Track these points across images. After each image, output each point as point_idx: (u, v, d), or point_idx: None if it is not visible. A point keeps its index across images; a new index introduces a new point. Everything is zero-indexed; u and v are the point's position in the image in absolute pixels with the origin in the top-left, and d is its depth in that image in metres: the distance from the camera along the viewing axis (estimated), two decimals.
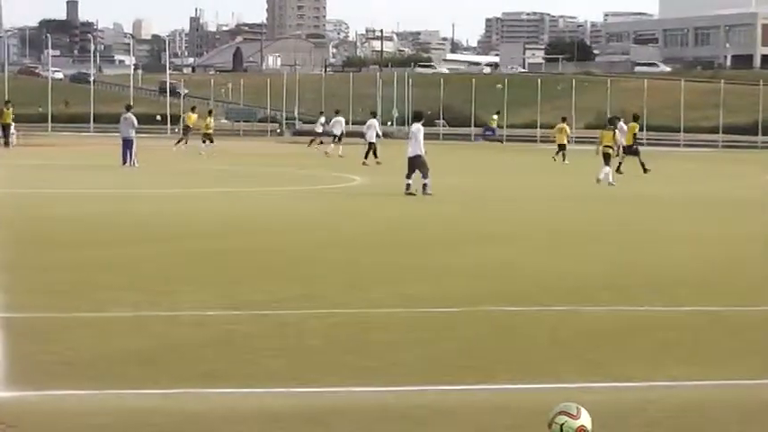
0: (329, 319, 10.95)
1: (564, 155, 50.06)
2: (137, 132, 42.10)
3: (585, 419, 6.42)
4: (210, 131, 54.49)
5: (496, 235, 19.72)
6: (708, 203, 28.06)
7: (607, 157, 34.55)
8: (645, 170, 39.63)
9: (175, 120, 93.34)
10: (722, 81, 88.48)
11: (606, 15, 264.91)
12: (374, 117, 49.88)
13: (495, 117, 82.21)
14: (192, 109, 61.21)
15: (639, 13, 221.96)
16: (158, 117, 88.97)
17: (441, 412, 7.68)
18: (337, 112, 57.06)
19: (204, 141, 53.13)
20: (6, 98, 63.65)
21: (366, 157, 45.41)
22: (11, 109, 58.69)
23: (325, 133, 60.86)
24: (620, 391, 8.40)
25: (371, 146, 46.08)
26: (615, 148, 35.69)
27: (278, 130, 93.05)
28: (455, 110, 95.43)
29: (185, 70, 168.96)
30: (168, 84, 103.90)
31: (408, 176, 28.75)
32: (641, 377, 8.73)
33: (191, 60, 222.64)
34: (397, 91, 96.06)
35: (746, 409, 7.94)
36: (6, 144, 56.45)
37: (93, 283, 13.01)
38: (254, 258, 15.70)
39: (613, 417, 7.46)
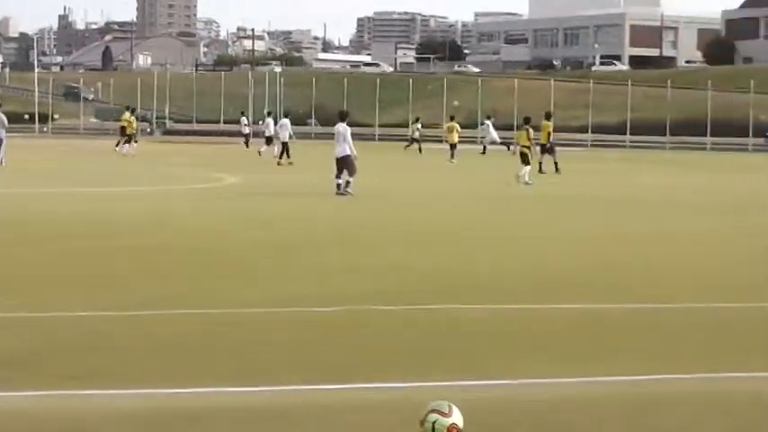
0: (204, 319, 10.83)
1: (453, 154, 50.42)
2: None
3: (457, 417, 6.45)
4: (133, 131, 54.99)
5: (394, 235, 19.72)
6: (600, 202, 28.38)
7: (524, 157, 34.66)
8: (557, 169, 39.79)
9: (43, 119, 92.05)
10: (591, 81, 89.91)
11: (477, 15, 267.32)
12: (287, 117, 49.46)
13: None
14: (131, 110, 59.42)
15: (510, 14, 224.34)
16: (26, 116, 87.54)
17: (314, 411, 7.63)
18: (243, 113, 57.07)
19: (128, 142, 53.05)
20: None
21: (281, 158, 45.23)
22: None
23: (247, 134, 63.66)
24: (490, 388, 8.39)
25: (285, 145, 45.79)
26: (532, 148, 35.77)
27: (148, 129, 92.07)
28: (327, 109, 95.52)
29: (54, 68, 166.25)
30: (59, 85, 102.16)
31: (338, 176, 28.62)
32: (512, 374, 8.75)
33: (59, 59, 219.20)
34: (269, 90, 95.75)
35: (610, 405, 7.99)
36: None
37: None
38: (118, 257, 15.46)
39: (486, 413, 7.45)
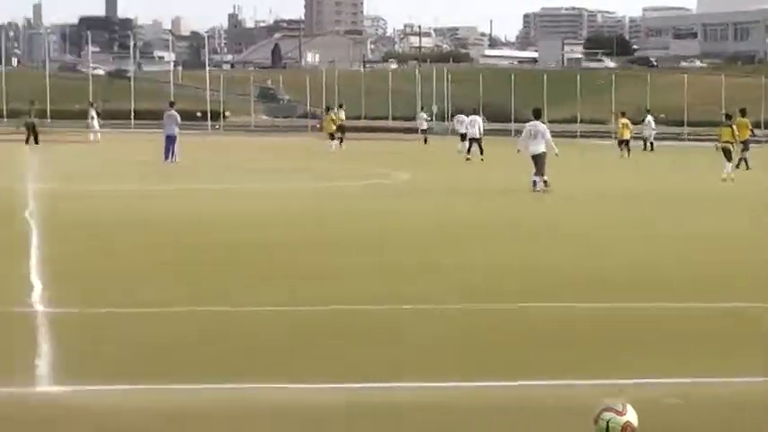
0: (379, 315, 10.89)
1: (628, 150, 50.26)
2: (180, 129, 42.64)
3: (632, 416, 6.33)
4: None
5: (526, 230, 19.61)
6: None
7: (727, 153, 34.29)
8: (747, 167, 39.40)
9: (215, 116, 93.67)
10: (763, 76, 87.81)
11: (645, 10, 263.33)
12: (476, 113, 49.29)
13: None
14: (336, 107, 60.99)
15: (678, 8, 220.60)
16: (198, 114, 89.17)
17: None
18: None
19: (333, 138, 53.70)
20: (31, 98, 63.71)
21: (468, 153, 45.26)
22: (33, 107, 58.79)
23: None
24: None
25: (475, 141, 45.64)
26: (735, 144, 35.54)
27: (318, 126, 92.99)
28: (494, 106, 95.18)
29: (225, 66, 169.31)
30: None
31: (536, 174, 28.58)
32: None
33: (229, 57, 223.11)
34: (437, 87, 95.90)
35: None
36: (30, 141, 55.67)
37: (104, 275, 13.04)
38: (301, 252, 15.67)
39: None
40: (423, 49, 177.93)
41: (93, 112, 64.99)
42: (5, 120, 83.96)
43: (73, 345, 9.45)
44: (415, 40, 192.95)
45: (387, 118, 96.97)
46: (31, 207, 21.89)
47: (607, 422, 6.29)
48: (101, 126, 64.72)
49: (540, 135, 29.01)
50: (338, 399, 7.74)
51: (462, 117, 51.90)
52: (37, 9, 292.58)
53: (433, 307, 11.34)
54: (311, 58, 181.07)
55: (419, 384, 8.15)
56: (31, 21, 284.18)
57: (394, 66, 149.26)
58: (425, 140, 65.21)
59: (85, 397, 7.76)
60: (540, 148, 28.71)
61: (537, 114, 30.15)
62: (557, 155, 29.11)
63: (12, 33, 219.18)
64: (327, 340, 9.63)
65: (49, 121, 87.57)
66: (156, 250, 15.86)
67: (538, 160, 28.67)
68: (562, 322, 10.65)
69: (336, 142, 53.65)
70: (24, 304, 11.13)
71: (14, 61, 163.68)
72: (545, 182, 28.18)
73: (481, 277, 13.52)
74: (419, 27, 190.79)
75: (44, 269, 13.52)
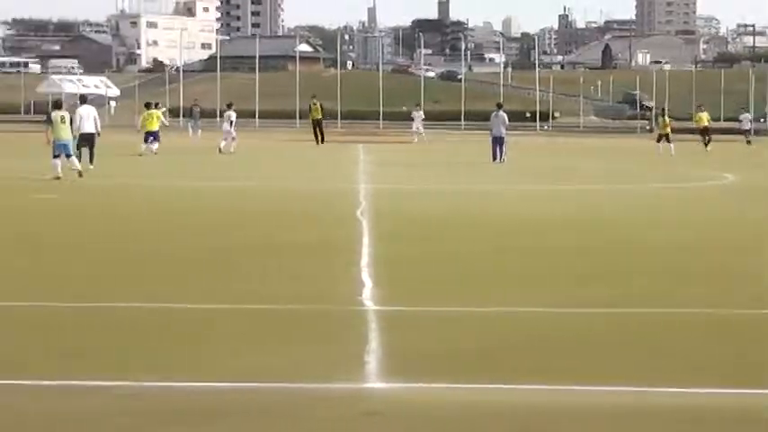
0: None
1: None
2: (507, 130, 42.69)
3: None
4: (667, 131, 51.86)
5: None
6: None
7: None
8: None
9: (544, 117, 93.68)
10: None
11: None
12: None
13: None
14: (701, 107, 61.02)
15: None
16: (527, 114, 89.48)
17: None
18: None
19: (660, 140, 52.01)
20: (314, 96, 64.71)
21: None
22: (318, 104, 59.22)
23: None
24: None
25: None
26: None
27: (647, 127, 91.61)
28: None
29: (554, 67, 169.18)
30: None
31: None
32: None
33: (559, 58, 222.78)
34: None
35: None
36: (321, 141, 56.20)
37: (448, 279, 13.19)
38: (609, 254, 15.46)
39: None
40: (757, 49, 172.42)
41: (417, 114, 66.19)
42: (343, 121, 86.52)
43: (401, 342, 9.66)
44: (748, 40, 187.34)
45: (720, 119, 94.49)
46: (362, 206, 22.48)
47: None
48: (424, 127, 65.69)
49: None
50: None
51: None
52: (371, 12, 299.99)
53: None
54: (641, 58, 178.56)
55: None
56: (366, 24, 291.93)
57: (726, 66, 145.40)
58: (748, 142, 63.12)
59: (410, 393, 7.94)
60: None
61: None
62: None
63: (347, 37, 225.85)
64: None
65: (381, 122, 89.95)
66: (500, 254, 15.98)
67: None
68: None
69: (666, 144, 52.42)
70: (355, 302, 11.45)
71: (349, 64, 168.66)
72: None
73: None
74: (753, 26, 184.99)
75: (374, 268, 13.86)
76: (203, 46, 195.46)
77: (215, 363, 8.85)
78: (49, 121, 30.36)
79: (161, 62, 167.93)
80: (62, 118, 30.23)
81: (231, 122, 47.49)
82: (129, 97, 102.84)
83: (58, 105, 31.30)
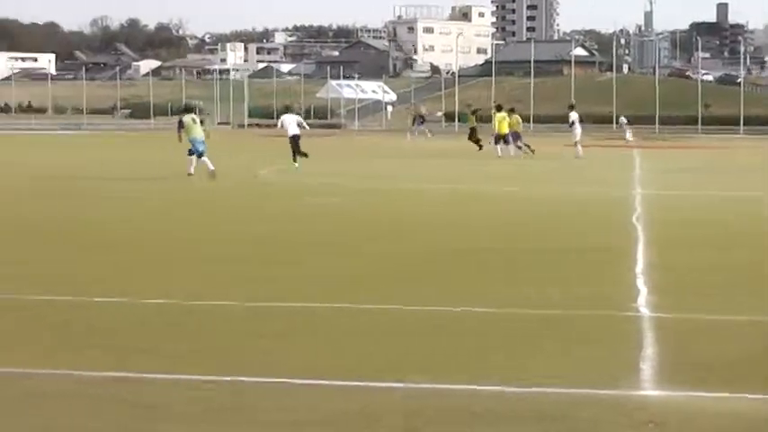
0: None
1: None
2: None
3: None
4: None
5: None
6: None
7: None
8: None
9: None
10: None
11: None
12: None
13: None
14: None
15: None
16: None
17: None
18: None
19: None
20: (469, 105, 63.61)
21: None
22: (477, 113, 58.11)
23: None
24: None
25: None
26: None
27: None
28: None
29: None
30: None
31: None
32: None
33: None
34: None
35: None
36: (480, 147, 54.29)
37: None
38: None
39: None
40: None
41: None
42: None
43: (676, 349, 9.63)
44: None
45: None
46: (637, 212, 22.33)
47: None
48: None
49: None
50: None
51: None
52: (648, 16, 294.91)
53: None
54: None
55: None
56: (642, 28, 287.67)
57: None
58: None
59: (690, 402, 7.92)
60: None
61: None
62: None
63: (623, 41, 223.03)
64: None
65: (657, 126, 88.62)
66: None
67: None
68: None
69: None
70: (630, 309, 11.45)
71: (625, 68, 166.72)
72: None
73: None
74: None
75: (650, 274, 13.78)
76: (478, 51, 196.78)
77: (493, 366, 9.05)
78: (182, 124, 33.38)
79: (437, 67, 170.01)
80: (193, 120, 33.70)
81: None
82: (405, 102, 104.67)
83: (189, 109, 35.70)
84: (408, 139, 69.78)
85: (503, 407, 7.75)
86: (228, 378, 8.44)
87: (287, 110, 43.45)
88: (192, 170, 32.51)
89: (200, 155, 32.55)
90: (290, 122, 38.50)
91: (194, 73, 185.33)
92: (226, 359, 9.22)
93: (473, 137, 53.07)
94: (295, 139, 37.86)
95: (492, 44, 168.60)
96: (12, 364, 8.92)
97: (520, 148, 47.32)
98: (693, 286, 13.08)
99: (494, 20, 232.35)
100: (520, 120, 49.66)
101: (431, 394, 8.06)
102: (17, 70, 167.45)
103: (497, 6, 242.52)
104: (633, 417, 7.50)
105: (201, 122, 35.10)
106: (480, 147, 50.99)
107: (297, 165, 37.07)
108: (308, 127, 40.88)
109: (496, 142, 47.25)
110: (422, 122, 75.57)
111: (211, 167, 31.83)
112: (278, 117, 44.25)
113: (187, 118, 33.54)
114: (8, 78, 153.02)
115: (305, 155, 37.50)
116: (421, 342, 9.91)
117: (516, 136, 47.74)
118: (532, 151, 46.76)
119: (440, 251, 16.42)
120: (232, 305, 11.66)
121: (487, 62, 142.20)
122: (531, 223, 20.79)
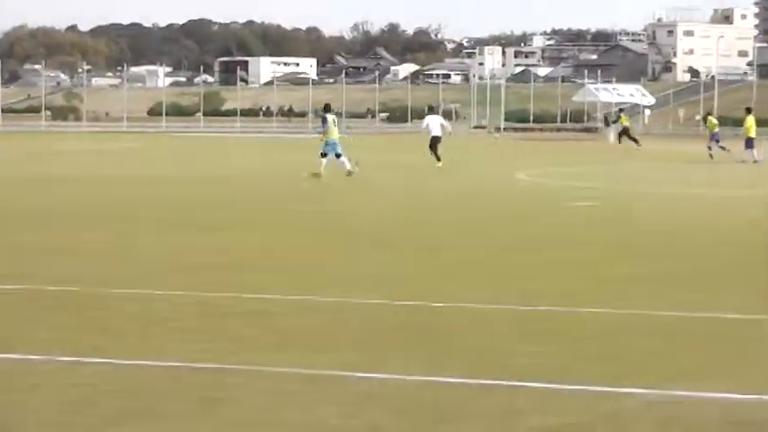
0: None
1: None
2: None
3: None
4: None
5: None
6: None
7: None
8: None
9: None
10: None
11: None
12: None
13: None
14: None
15: None
16: None
17: None
18: None
19: None
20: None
21: None
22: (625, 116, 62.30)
23: None
24: None
25: None
26: None
27: None
28: None
29: None
30: None
31: None
32: None
33: None
34: None
35: None
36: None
37: None
38: None
39: None
40: None
41: None
42: None
43: None
44: None
45: None
46: None
47: None
48: None
49: None
50: None
51: None
52: None
53: None
54: None
55: None
56: None
57: None
58: None
59: None
60: None
61: None
62: None
63: None
64: None
65: None
66: None
67: None
68: None
69: None
70: None
71: None
72: None
73: None
74: None
75: None
76: (739, 53, 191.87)
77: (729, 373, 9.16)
78: (325, 122, 33.28)
79: (696, 70, 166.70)
80: (334, 120, 33.31)
81: None
82: (664, 106, 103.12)
83: (328, 109, 34.44)
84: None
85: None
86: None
87: (431, 110, 43.87)
88: (323, 170, 31.98)
89: (337, 155, 32.70)
90: (435, 124, 39.45)
91: (451, 77, 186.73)
92: None
93: (627, 135, 58.77)
94: (435, 141, 38.69)
95: (754, 47, 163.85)
96: None
97: (723, 149, 47.37)
98: None
99: (756, 22, 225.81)
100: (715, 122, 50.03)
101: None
102: (279, 75, 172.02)
103: (762, 8, 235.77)
104: None
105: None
106: (638, 144, 56.76)
107: (439, 164, 37.49)
108: (450, 129, 42.24)
109: (747, 147, 45.94)
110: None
111: (348, 167, 32.25)
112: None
113: (330, 118, 33.45)
114: (270, 83, 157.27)
115: (438, 158, 37.94)
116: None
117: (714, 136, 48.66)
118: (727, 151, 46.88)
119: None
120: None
121: (749, 65, 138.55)
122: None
